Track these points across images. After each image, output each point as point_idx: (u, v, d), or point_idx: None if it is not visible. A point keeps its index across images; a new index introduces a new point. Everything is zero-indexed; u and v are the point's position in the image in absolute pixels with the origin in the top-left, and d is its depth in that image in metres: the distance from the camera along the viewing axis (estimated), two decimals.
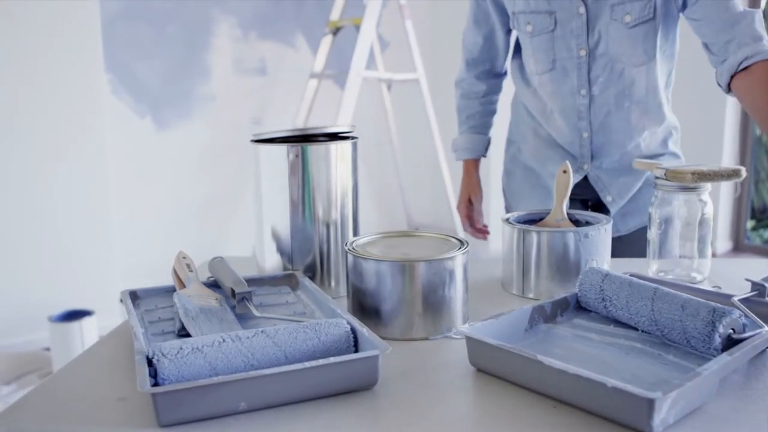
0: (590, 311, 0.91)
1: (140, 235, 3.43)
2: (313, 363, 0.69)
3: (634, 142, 1.44)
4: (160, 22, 3.43)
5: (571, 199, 1.50)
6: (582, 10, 1.37)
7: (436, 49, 4.26)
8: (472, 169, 1.68)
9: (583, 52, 1.39)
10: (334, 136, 1.08)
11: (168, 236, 3.51)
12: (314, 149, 1.01)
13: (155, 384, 0.68)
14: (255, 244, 1.09)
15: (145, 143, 3.47)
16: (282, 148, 1.00)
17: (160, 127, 3.50)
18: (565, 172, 1.15)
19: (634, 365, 0.77)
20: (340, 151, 1.03)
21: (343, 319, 0.78)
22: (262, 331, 0.73)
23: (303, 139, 1.06)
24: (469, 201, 1.68)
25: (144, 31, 3.39)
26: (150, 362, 0.69)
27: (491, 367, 0.76)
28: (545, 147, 1.54)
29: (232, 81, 3.66)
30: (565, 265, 1.01)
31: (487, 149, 1.67)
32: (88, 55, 2.86)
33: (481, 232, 1.70)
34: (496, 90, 1.65)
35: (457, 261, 0.89)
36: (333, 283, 1.05)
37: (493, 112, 1.67)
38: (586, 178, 1.49)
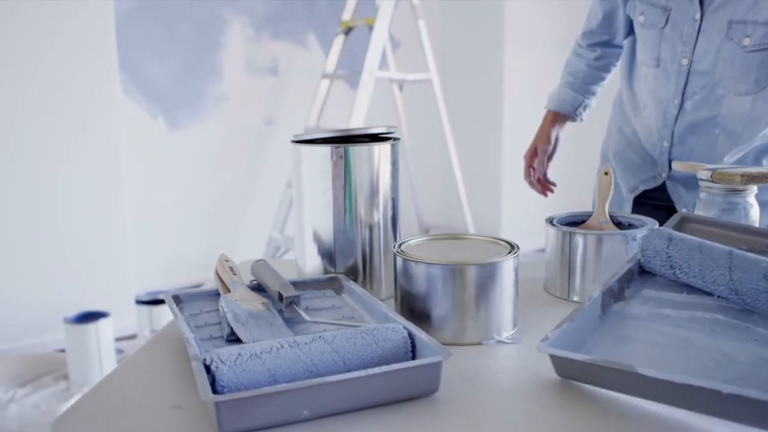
0: (655, 275, 0.88)
1: (153, 235, 3.41)
2: (377, 369, 0.67)
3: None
4: (172, 21, 3.41)
5: (654, 206, 1.45)
6: (698, 16, 1.26)
7: (448, 49, 4.24)
8: (548, 120, 1.60)
9: (685, 62, 1.29)
10: (375, 137, 1.06)
11: (181, 237, 3.49)
12: (357, 150, 0.99)
13: (213, 391, 0.66)
14: (296, 246, 1.07)
15: (158, 144, 3.45)
16: (326, 149, 0.98)
17: (172, 128, 3.49)
18: (606, 174, 1.13)
19: (724, 344, 0.73)
20: (382, 152, 1.01)
21: (399, 324, 0.76)
22: (320, 337, 0.72)
23: (343, 140, 1.04)
24: (536, 151, 1.61)
25: (156, 31, 3.38)
26: (207, 369, 0.67)
27: (582, 378, 0.72)
28: (625, 146, 1.49)
29: (244, 81, 3.64)
30: (612, 269, 0.99)
31: (576, 110, 1.58)
32: (102, 55, 2.84)
33: (539, 186, 1.62)
34: (609, 56, 1.55)
35: (509, 264, 0.87)
36: (375, 286, 1.03)
37: (598, 78, 1.58)
38: (665, 184, 1.42)
